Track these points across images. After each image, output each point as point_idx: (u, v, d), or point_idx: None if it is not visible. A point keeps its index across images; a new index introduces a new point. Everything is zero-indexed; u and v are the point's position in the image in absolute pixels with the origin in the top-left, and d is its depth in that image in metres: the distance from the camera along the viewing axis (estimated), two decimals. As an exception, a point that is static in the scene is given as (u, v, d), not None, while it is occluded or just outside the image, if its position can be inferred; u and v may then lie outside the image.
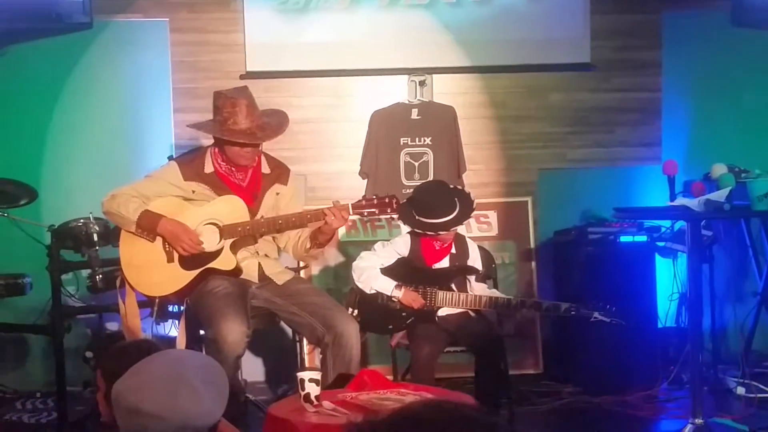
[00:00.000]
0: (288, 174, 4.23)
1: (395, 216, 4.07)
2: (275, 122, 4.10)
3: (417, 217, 4.33)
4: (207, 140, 5.29)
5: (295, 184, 4.29)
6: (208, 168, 4.07)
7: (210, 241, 3.99)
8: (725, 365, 5.38)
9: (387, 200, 3.96)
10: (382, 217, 4.00)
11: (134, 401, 2.12)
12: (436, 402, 1.41)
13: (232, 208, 4.01)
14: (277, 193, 4.15)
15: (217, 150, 4.07)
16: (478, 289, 4.49)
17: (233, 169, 4.06)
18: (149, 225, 3.97)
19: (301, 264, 5.35)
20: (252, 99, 4.02)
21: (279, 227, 4.03)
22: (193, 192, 4.04)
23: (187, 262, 3.99)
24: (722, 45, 5.95)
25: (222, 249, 4.00)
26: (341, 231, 5.63)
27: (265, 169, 4.16)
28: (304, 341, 4.56)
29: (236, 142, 3.95)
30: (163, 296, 4.07)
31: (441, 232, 4.32)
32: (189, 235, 3.94)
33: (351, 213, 3.95)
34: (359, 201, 3.98)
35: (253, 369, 5.47)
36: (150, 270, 4.03)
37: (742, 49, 5.95)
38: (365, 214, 3.97)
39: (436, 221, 4.29)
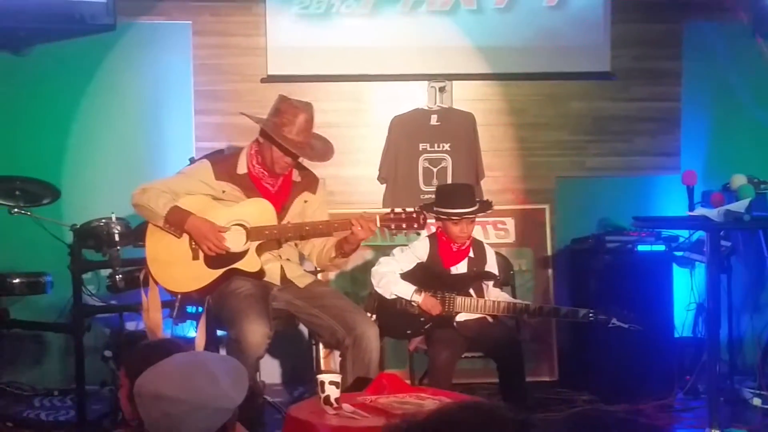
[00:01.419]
0: (317, 183, 4.24)
1: (420, 231, 4.07)
2: (322, 149, 4.12)
3: (435, 208, 4.38)
4: (226, 143, 5.37)
5: (323, 193, 4.29)
6: (242, 169, 4.08)
7: (236, 241, 4.01)
8: (741, 376, 5.37)
9: (415, 215, 3.97)
10: (409, 231, 4.01)
11: (155, 388, 2.20)
12: (472, 404, 1.43)
13: (260, 211, 4.03)
14: (305, 201, 4.16)
15: (254, 150, 4.08)
16: (494, 294, 4.51)
17: (266, 173, 4.08)
18: (178, 221, 3.98)
19: (318, 268, 5.37)
20: (312, 117, 4.02)
21: (305, 233, 4.04)
22: (223, 192, 4.06)
23: (212, 261, 4.01)
24: (743, 56, 5.95)
25: (247, 250, 4.02)
26: (359, 235, 5.64)
27: (296, 177, 4.17)
28: (320, 345, 4.57)
29: (285, 148, 3.96)
30: (186, 293, 4.09)
31: (454, 218, 4.34)
32: (215, 234, 3.96)
33: (378, 225, 3.96)
34: (387, 213, 3.99)
35: (270, 371, 5.50)
36: (175, 266, 4.04)
37: (762, 60, 5.95)
38: (392, 227, 3.98)
39: (452, 210, 4.33)
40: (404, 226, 3.97)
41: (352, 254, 4.20)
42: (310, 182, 4.22)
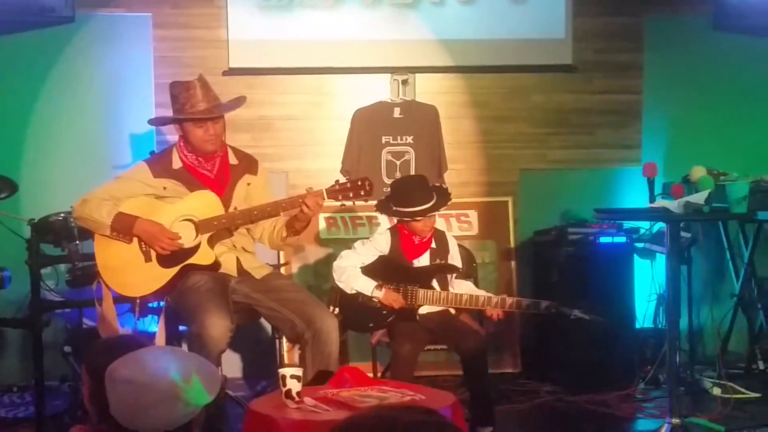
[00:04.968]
0: (257, 164, 4.26)
1: (368, 198, 4.09)
2: (232, 101, 4.23)
3: (394, 208, 4.37)
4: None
5: (265, 174, 4.30)
6: (176, 164, 4.09)
7: (186, 237, 3.99)
8: (702, 366, 5.43)
9: (360, 182, 4.00)
10: (357, 201, 4.03)
11: (128, 373, 2.19)
12: (388, 408, 1.43)
13: (205, 203, 4.02)
14: (248, 184, 4.17)
15: (182, 142, 4.10)
16: (458, 285, 4.51)
17: (201, 159, 4.08)
18: (124, 227, 3.96)
19: (282, 260, 5.35)
20: (206, 82, 4.10)
21: (254, 218, 4.04)
22: (164, 189, 4.04)
23: (165, 260, 3.98)
24: (703, 49, 6.01)
25: (199, 244, 4.00)
26: (321, 227, 5.64)
27: (233, 160, 4.18)
28: (284, 338, 4.56)
29: (197, 120, 3.99)
30: (143, 296, 4.06)
31: (418, 218, 4.33)
32: (166, 233, 3.94)
33: (326, 198, 3.97)
34: (332, 186, 4.01)
35: (232, 365, 5.47)
36: (128, 271, 4.01)
37: (722, 53, 6.01)
38: (339, 197, 4.00)
39: (412, 209, 4.32)
40: (351, 195, 3.99)
41: (304, 231, 4.21)
42: (249, 164, 4.23)
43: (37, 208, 4.81)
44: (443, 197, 4.42)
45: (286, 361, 5.05)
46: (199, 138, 4.02)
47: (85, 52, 5.66)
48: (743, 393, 5.01)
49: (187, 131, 4.04)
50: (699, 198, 4.23)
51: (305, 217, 4.01)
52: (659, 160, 5.40)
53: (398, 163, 5.71)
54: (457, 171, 5.83)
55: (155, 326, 4.49)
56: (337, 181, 4.05)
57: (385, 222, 5.42)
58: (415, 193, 4.37)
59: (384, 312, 4.37)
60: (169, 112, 4.56)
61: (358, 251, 4.46)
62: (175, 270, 3.99)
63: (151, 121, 4.49)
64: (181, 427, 2.22)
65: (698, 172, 4.71)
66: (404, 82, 5.78)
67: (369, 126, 5.72)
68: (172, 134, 5.46)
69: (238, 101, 4.24)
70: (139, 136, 5.64)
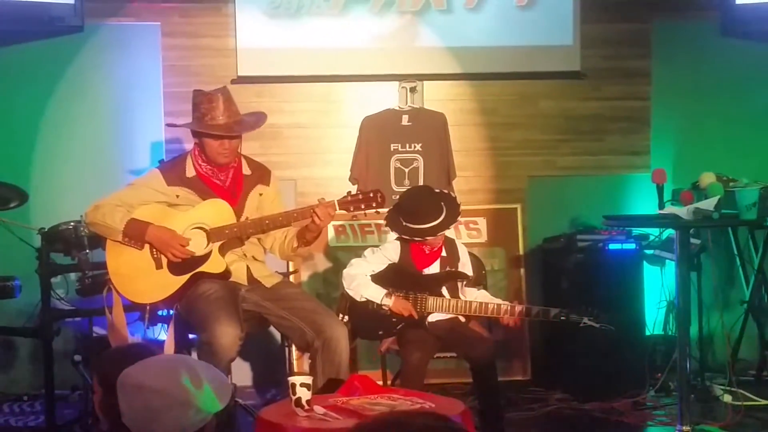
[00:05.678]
0: (269, 175, 4.26)
1: (380, 210, 4.09)
2: (252, 119, 4.19)
3: (404, 224, 4.36)
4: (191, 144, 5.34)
5: (277, 184, 4.31)
6: (190, 172, 4.09)
7: (198, 245, 3.99)
8: (712, 373, 5.42)
9: (372, 194, 4.01)
10: (368, 211, 4.03)
11: (139, 379, 2.19)
12: (399, 413, 1.44)
13: (217, 212, 4.02)
14: (260, 194, 4.18)
15: (197, 151, 4.11)
16: (470, 293, 4.50)
17: (214, 169, 4.09)
18: (137, 233, 3.97)
19: (291, 269, 5.36)
20: (229, 96, 4.08)
21: (266, 227, 4.05)
22: (177, 197, 4.05)
23: (176, 268, 3.99)
24: (711, 55, 6.00)
25: (210, 252, 4.00)
26: (330, 235, 5.64)
27: (246, 170, 4.19)
28: (293, 346, 4.56)
29: (214, 135, 3.99)
30: (154, 303, 4.06)
31: (428, 238, 4.34)
32: (178, 240, 3.95)
33: (337, 209, 3.98)
34: (344, 197, 4.02)
35: (241, 373, 5.47)
36: (139, 278, 4.01)
37: (730, 59, 6.00)
38: (351, 209, 4.01)
39: (422, 226, 4.31)
40: (363, 206, 4.01)
41: (314, 242, 4.22)
42: (262, 174, 4.23)
43: (47, 217, 4.83)
44: (452, 210, 4.38)
45: (295, 369, 5.04)
46: (214, 150, 4.03)
47: (94, 62, 5.69)
48: (754, 400, 4.99)
49: (203, 142, 4.05)
50: (708, 204, 4.23)
51: (316, 228, 4.01)
52: (668, 167, 5.39)
53: (407, 170, 5.71)
54: (465, 178, 5.83)
55: (165, 335, 4.50)
56: (349, 192, 4.06)
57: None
58: (424, 209, 4.34)
59: (393, 320, 4.36)
60: (179, 120, 4.60)
61: (368, 259, 4.46)
62: (185, 278, 4.00)
63: (169, 125, 4.45)
64: None
65: (707, 179, 4.72)
66: (412, 90, 5.79)
67: (377, 134, 5.73)
68: (187, 142, 5.51)
69: (258, 120, 4.19)
70: (149, 145, 5.66)
